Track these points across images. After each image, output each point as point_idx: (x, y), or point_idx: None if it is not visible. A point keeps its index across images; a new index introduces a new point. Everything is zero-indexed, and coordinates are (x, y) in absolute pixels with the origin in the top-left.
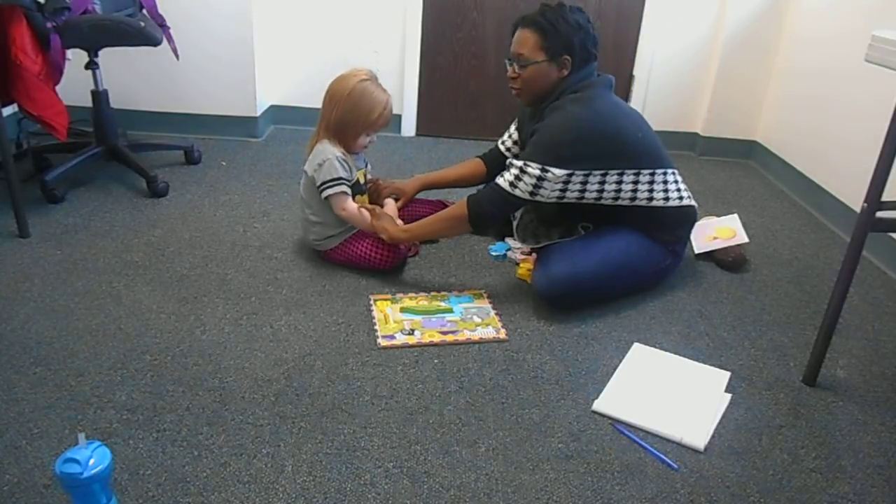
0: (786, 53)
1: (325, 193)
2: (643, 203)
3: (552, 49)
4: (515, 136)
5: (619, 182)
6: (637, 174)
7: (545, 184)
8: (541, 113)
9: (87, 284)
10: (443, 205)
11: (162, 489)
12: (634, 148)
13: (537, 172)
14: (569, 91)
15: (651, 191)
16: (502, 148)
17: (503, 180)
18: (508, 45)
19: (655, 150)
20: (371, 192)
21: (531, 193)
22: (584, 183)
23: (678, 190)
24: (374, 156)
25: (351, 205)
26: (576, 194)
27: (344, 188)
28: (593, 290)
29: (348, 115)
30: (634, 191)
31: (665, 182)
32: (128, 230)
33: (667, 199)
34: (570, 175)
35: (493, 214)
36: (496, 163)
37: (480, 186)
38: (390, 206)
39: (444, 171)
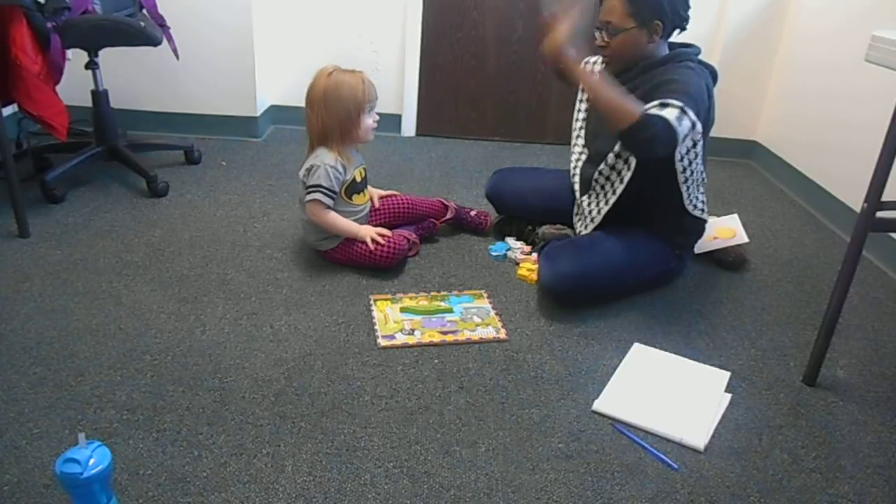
0: (786, 53)
1: (306, 198)
2: (678, 197)
3: (641, 15)
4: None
5: (690, 162)
6: (698, 163)
7: (691, 133)
8: (634, 80)
9: (87, 284)
10: (442, 204)
11: (162, 489)
12: (705, 135)
13: (692, 118)
14: (676, 60)
15: (688, 181)
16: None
17: (669, 114)
18: (509, 45)
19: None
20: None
21: (683, 137)
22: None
23: (703, 203)
24: (374, 156)
25: (330, 215)
26: (679, 157)
27: (319, 196)
28: (599, 288)
29: (337, 108)
30: (691, 173)
31: (699, 186)
32: (128, 230)
33: (694, 207)
34: (692, 128)
35: (650, 139)
36: None
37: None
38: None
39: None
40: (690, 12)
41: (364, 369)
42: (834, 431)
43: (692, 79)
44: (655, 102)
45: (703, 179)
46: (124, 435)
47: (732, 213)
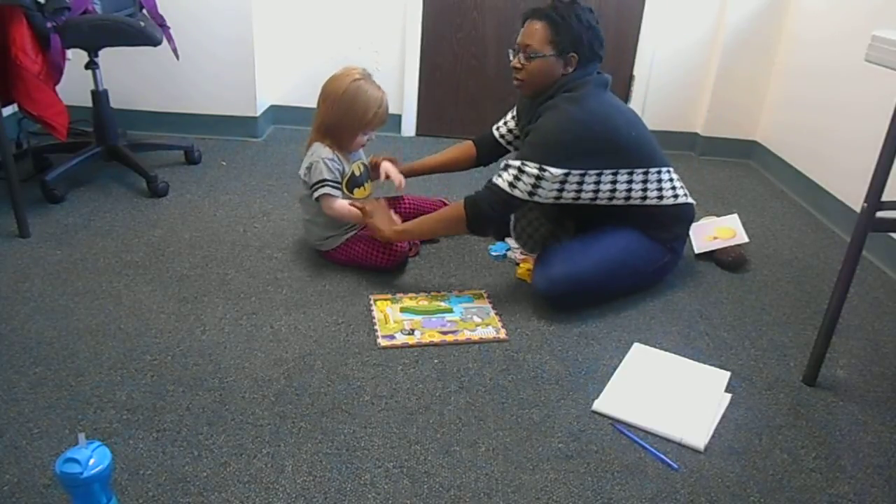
0: (786, 53)
1: (314, 196)
2: (637, 202)
3: (561, 44)
4: (511, 124)
5: (614, 182)
6: (630, 173)
7: (543, 183)
8: (535, 110)
9: (87, 284)
10: (443, 204)
11: (162, 489)
12: (628, 147)
13: (535, 172)
14: (563, 89)
15: (645, 189)
16: (496, 134)
17: (502, 181)
18: (512, 41)
19: (649, 149)
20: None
21: (530, 193)
22: (581, 182)
23: (673, 188)
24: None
25: (338, 204)
26: (572, 194)
27: (327, 189)
28: (593, 290)
29: (343, 115)
30: (628, 190)
31: (659, 181)
32: (128, 230)
33: (660, 197)
34: (566, 174)
35: (491, 216)
36: (488, 148)
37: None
38: (390, 169)
39: (432, 158)
40: (604, 52)
41: (364, 369)
42: (834, 431)
43: (550, 126)
44: (503, 164)
45: (658, 179)
46: (124, 435)
47: (732, 213)
